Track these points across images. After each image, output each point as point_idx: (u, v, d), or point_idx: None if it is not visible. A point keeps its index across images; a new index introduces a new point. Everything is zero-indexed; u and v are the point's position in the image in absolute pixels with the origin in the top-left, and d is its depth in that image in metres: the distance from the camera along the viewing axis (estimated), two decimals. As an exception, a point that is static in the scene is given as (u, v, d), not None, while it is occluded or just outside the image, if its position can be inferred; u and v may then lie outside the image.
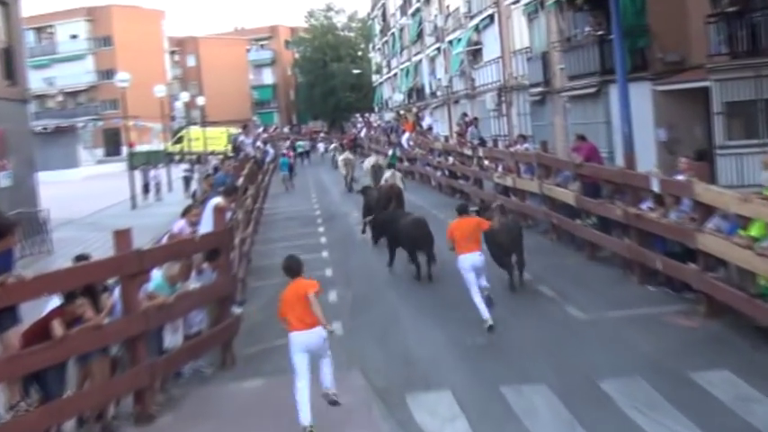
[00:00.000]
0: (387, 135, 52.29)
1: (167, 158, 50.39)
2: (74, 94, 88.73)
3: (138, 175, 38.63)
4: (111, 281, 9.82)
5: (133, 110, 53.13)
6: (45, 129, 61.66)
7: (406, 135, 43.44)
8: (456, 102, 45.88)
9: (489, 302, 12.18)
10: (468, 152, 28.13)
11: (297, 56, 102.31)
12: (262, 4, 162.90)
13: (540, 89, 30.54)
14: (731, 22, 20.99)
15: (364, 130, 66.45)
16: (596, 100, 25.64)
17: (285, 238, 23.31)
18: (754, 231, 10.55)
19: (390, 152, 42.62)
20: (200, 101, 63.63)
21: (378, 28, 74.08)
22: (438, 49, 49.54)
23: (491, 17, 37.55)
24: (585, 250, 16.77)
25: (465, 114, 38.24)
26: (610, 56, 23.26)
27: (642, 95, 22.74)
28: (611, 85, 23.54)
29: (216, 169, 26.38)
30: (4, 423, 8.04)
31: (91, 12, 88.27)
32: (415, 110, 55.81)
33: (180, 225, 13.39)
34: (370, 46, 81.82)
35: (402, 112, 60.07)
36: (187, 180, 39.45)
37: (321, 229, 24.31)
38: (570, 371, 9.95)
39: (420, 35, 54.65)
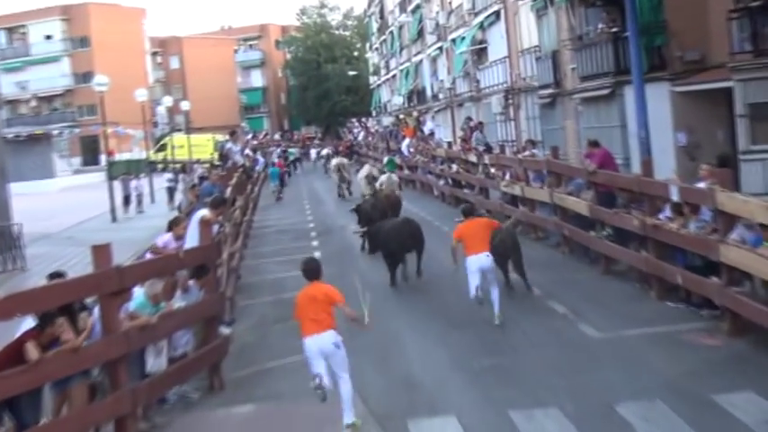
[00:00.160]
0: (385, 141, 52.45)
1: (149, 168, 50.35)
2: (48, 99, 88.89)
3: (118, 185, 38.63)
4: (89, 300, 9.84)
5: (112, 116, 53.05)
6: (18, 136, 61.63)
7: (407, 141, 43.56)
8: (460, 105, 45.97)
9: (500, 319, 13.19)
10: (473, 159, 28.20)
11: (288, 56, 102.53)
12: (250, 2, 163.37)
13: (549, 91, 30.61)
14: (755, 17, 21.01)
15: (362, 135, 66.61)
16: (610, 102, 25.69)
17: (277, 252, 23.32)
18: (781, 242, 10.57)
19: (386, 159, 42.79)
20: (185, 106, 63.58)
21: (375, 26, 74.26)
22: (440, 48, 49.66)
23: (497, 14, 37.66)
24: (600, 264, 16.78)
25: (469, 118, 38.35)
26: (625, 55, 23.34)
27: (660, 97, 22.78)
28: (627, 86, 23.59)
29: (202, 179, 26.38)
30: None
31: (66, 10, 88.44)
32: (415, 114, 55.94)
33: (165, 239, 13.41)
34: (367, 45, 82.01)
35: (402, 116, 60.18)
36: (171, 191, 39.46)
37: (315, 243, 24.31)
38: (584, 394, 9.95)
39: (420, 33, 54.79)
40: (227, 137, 32.88)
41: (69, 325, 8.95)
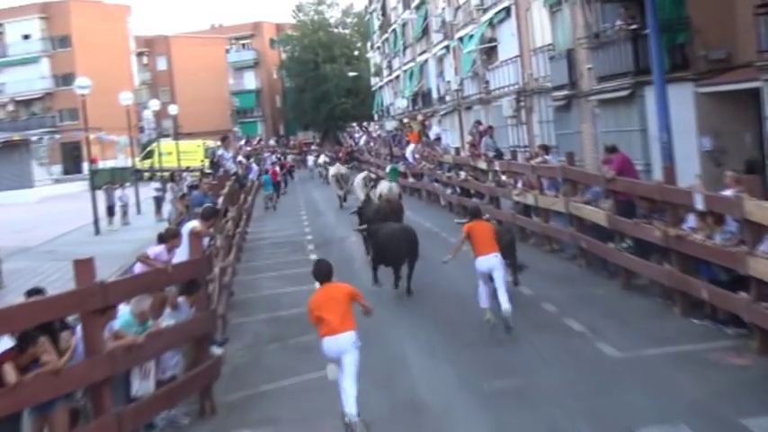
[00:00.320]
0: (388, 147, 52.53)
1: (135, 176, 50.33)
2: (27, 103, 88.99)
3: (101, 195, 38.62)
4: (71, 318, 9.84)
5: (95, 121, 53.20)
6: (-6, 143, 61.75)
7: (411, 147, 43.62)
8: (468, 108, 45.99)
9: (508, 329, 13.83)
10: (483, 166, 28.21)
11: (284, 56, 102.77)
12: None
13: (564, 92, 30.61)
14: (785, 13, 21.05)
15: (363, 140, 66.67)
16: (630, 104, 25.70)
17: (272, 267, 23.34)
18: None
19: (389, 168, 42.85)
20: (173, 109, 63.65)
21: (377, 24, 74.41)
22: (446, 47, 49.71)
23: (507, 10, 37.70)
24: (619, 278, 16.78)
25: (478, 122, 38.37)
26: (645, 53, 23.33)
27: (682, 98, 22.79)
28: (647, 86, 23.59)
29: (192, 188, 26.46)
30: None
31: (46, 8, 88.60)
32: (420, 118, 55.99)
33: (156, 250, 13.41)
34: (369, 44, 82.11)
35: (406, 120, 60.25)
36: (158, 201, 39.48)
37: (313, 257, 24.26)
38: (603, 418, 9.95)
39: (426, 31, 54.86)
40: (219, 143, 33.02)
41: (50, 345, 8.96)
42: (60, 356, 8.96)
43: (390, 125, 65.73)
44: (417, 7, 56.06)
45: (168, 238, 13.83)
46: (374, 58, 78.21)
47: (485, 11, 40.90)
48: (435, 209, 32.86)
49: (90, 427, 9.39)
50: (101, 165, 68.61)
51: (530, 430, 9.75)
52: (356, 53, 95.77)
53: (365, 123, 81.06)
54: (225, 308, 16.22)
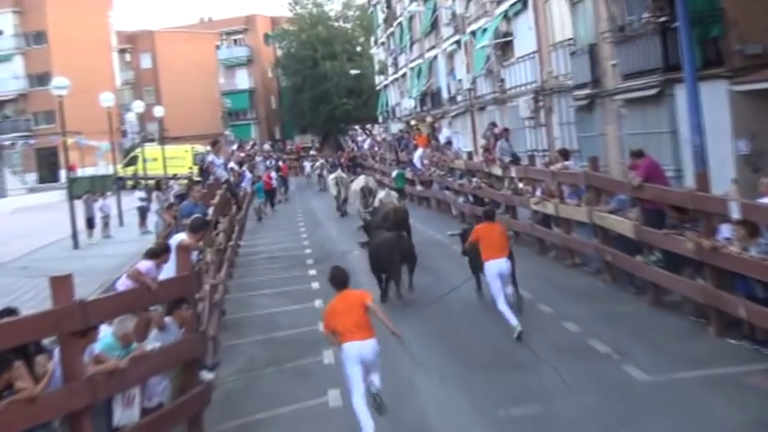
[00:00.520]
0: (394, 151, 52.56)
1: (117, 185, 50.44)
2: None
3: (80, 205, 38.69)
4: (47, 341, 9.84)
5: (73, 124, 53.26)
6: (-37, 149, 61.95)
7: (419, 151, 43.63)
8: (481, 109, 46.04)
9: (519, 310, 15.22)
10: (498, 172, 28.21)
11: (279, 53, 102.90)
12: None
13: (587, 91, 30.63)
14: (828, 3, 21.08)
15: (367, 144, 66.68)
16: (659, 104, 25.71)
17: (267, 283, 23.35)
18: None
19: (395, 173, 42.91)
20: (158, 111, 63.69)
21: (381, 17, 74.51)
22: (457, 42, 49.78)
23: (524, 1, 37.75)
24: (648, 294, 16.77)
25: (493, 124, 38.34)
26: (675, 48, 23.33)
27: (716, 97, 22.79)
28: (678, 84, 23.60)
29: (180, 197, 26.46)
30: None
31: (19, 1, 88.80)
32: (429, 119, 56.04)
33: (147, 265, 13.36)
34: (372, 40, 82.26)
35: (413, 122, 60.29)
36: (143, 212, 39.55)
37: (313, 272, 24.32)
38: (631, 448, 9.94)
39: (435, 25, 54.96)
40: (209, 148, 32.94)
41: (25, 370, 8.95)
42: (36, 383, 8.94)
43: (396, 128, 65.79)
44: (425, -1, 56.20)
45: (159, 253, 13.77)
46: (378, 54, 78.31)
47: (499, 2, 40.93)
48: (446, 219, 32.83)
49: (69, 460, 9.37)
50: (79, 172, 68.73)
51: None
52: (359, 49, 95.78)
53: (369, 126, 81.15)
54: (216, 329, 16.20)
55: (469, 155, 36.70)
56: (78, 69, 70.11)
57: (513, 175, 26.60)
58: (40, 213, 51.22)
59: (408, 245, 19.63)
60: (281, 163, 62.80)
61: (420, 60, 59.58)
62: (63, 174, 58.97)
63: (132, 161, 69.78)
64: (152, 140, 74.79)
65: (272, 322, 18.52)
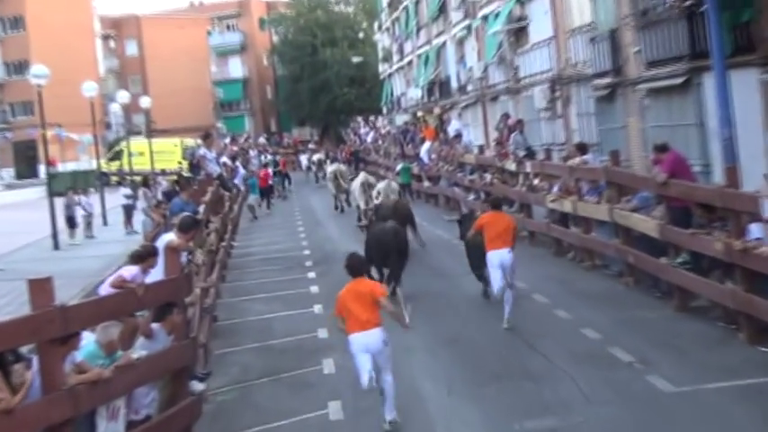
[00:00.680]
0: (399, 145, 52.58)
1: (101, 181, 50.53)
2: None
3: (61, 203, 38.71)
4: (25, 349, 9.84)
5: (53, 116, 53.36)
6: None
7: (426, 145, 43.67)
8: (494, 99, 46.02)
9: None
10: (512, 167, 28.21)
11: (275, 39, 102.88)
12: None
13: (607, 80, 30.61)
14: None
15: (370, 136, 66.64)
16: (685, 94, 25.69)
17: (262, 287, 23.36)
18: None
19: (399, 166, 42.85)
20: (145, 102, 63.73)
21: (385, 1, 74.50)
22: (468, 27, 49.77)
23: (539, -17, 37.78)
24: (673, 299, 16.77)
25: (506, 116, 38.36)
26: (703, 34, 23.31)
27: (747, 87, 22.76)
28: (705, 73, 23.58)
29: (168, 195, 26.48)
30: None
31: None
32: (437, 111, 56.02)
33: (133, 271, 13.30)
34: (376, 25, 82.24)
35: (420, 113, 60.27)
36: (128, 210, 39.53)
37: (311, 275, 24.35)
38: (656, 465, 9.93)
39: (443, 9, 54.93)
40: (200, 141, 32.99)
41: (1, 380, 8.95)
42: (13, 394, 8.95)
43: (401, 120, 65.77)
44: (433, -19, 56.19)
45: (145, 257, 13.63)
46: (382, 40, 78.29)
47: (513, -16, 40.94)
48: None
49: (49, 477, 9.37)
50: (60, 167, 68.84)
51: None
52: (361, 35, 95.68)
53: (372, 118, 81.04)
54: (207, 336, 16.22)
55: (480, 149, 36.75)
56: (59, 57, 70.16)
57: (528, 170, 26.60)
58: (18, 211, 51.22)
59: (403, 240, 20.34)
60: (278, 158, 62.90)
61: (427, 47, 59.57)
62: (42, 169, 58.99)
63: (117, 156, 69.84)
64: (138, 133, 74.76)
65: (267, 329, 18.52)
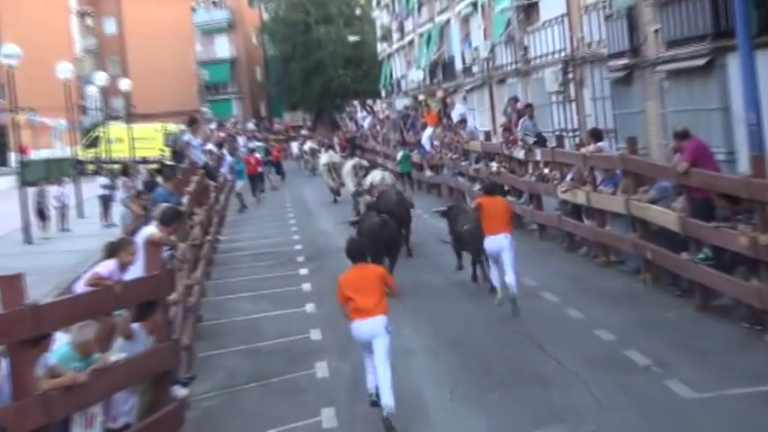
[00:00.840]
0: (399, 131, 52.50)
1: (77, 170, 50.47)
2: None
3: (32, 193, 38.67)
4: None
5: (26, 99, 53.29)
6: None
7: (429, 131, 43.60)
8: (501, 81, 46.04)
9: (515, 311, 16.72)
10: (521, 155, 28.20)
11: (266, 17, 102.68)
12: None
13: (624, 61, 30.62)
14: None
15: (368, 121, 66.58)
16: (708, 76, 25.70)
17: (250, 284, 23.36)
18: None
19: (400, 154, 42.91)
20: (125, 85, 63.87)
21: (384, -26, 74.53)
22: (473, 4, 49.77)
23: (551, -44, 37.77)
24: (694, 298, 16.77)
25: (515, 99, 38.33)
26: (727, 11, 23.32)
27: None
28: (730, 53, 23.59)
29: (149, 186, 26.46)
30: None
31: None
32: (440, 94, 56.00)
33: (110, 267, 13.30)
34: (374, 1, 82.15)
35: (422, 97, 60.25)
36: (106, 201, 39.52)
37: (304, 272, 24.37)
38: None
39: (447, -16, 54.95)
40: (185, 127, 32.90)
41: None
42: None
43: (402, 104, 65.74)
44: (436, -47, 56.18)
45: (119, 251, 13.60)
46: (381, 18, 78.27)
47: (522, -43, 40.96)
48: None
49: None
50: (33, 155, 68.74)
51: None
52: (358, 12, 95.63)
53: (369, 101, 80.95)
54: (191, 337, 16.23)
55: (487, 135, 36.69)
56: (31, 36, 69.97)
57: (538, 158, 26.57)
58: (-13, 203, 51.21)
59: (391, 232, 21.06)
60: (269, 144, 62.90)
61: (430, 25, 59.55)
62: (13, 157, 58.93)
63: (94, 142, 69.91)
64: (117, 118, 74.84)
65: (256, 330, 18.52)
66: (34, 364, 9.62)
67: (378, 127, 64.51)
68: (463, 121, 42.94)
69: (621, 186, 20.06)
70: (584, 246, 22.98)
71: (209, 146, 41.55)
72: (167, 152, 46.30)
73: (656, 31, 28.24)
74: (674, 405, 12.16)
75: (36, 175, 44.25)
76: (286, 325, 18.53)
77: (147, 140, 63.18)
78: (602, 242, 21.63)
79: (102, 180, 41.69)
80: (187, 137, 30.23)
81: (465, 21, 52.42)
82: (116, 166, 46.16)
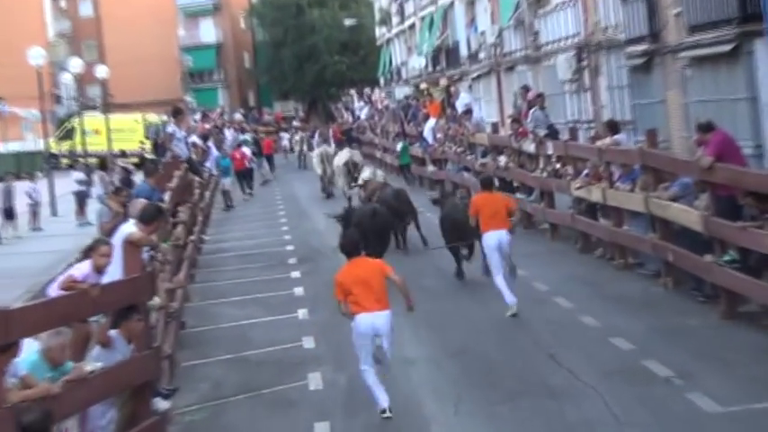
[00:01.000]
0: (399, 122, 52.50)
1: (50, 164, 50.45)
2: None
3: (1, 189, 38.65)
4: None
5: (-6, 87, 53.32)
6: None
7: (431, 122, 43.57)
8: (510, 69, 46.06)
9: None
10: (531, 148, 28.20)
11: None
12: None
13: (643, 47, 30.64)
14: None
15: (365, 112, 66.54)
16: (733, 63, 25.71)
17: (238, 288, 23.38)
18: None
19: (400, 146, 42.95)
20: (102, 72, 63.76)
21: (383, -47, 74.59)
22: (480, -16, 49.84)
23: (564, -67, 37.80)
24: (719, 303, 16.78)
25: (525, 89, 38.34)
26: (754, -7, 23.33)
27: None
28: (758, 39, 23.61)
29: (126, 182, 26.47)
30: None
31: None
32: (444, 82, 56.03)
33: (84, 270, 13.32)
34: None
35: (423, 85, 60.27)
36: (81, 197, 39.46)
37: (296, 274, 24.37)
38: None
39: (451, -37, 55.00)
40: (168, 118, 32.89)
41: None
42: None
43: (402, 92, 65.79)
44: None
45: (91, 251, 13.61)
46: (379, 0, 78.25)
47: (532, -66, 40.99)
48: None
49: None
50: (1, 148, 68.77)
51: None
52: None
53: (367, 90, 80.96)
54: (173, 345, 16.24)
55: (494, 127, 36.71)
56: (0, 19, 70.02)
57: (550, 152, 26.58)
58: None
59: (382, 222, 22.27)
60: (261, 137, 63.01)
61: (432, 8, 59.60)
62: (-19, 150, 59.05)
63: (68, 134, 69.79)
64: (93, 108, 74.77)
65: (243, 337, 18.52)
66: (3, 372, 9.60)
67: (376, 118, 64.53)
68: (468, 111, 42.91)
69: (640, 183, 20.06)
70: (600, 247, 22.98)
71: (194, 138, 41.51)
72: (148, 145, 46.36)
73: (678, 14, 28.25)
74: (696, 420, 12.16)
75: (5, 169, 44.20)
76: (276, 332, 18.54)
77: (125, 132, 63.13)
78: (618, 243, 21.61)
79: (77, 175, 41.65)
80: (171, 128, 30.26)
81: (470, 3, 52.46)
82: (92, 160, 46.15)
